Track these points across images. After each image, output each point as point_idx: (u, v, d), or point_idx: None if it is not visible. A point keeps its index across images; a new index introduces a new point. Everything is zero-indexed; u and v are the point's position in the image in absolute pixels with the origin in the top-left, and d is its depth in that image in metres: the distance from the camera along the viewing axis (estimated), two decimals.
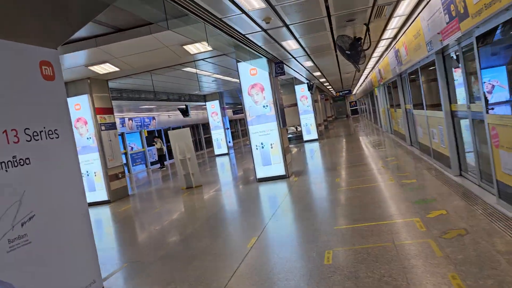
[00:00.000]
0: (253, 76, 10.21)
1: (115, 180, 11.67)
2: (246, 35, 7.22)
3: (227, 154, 21.59)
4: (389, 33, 9.47)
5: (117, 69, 10.13)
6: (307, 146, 18.79)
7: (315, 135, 21.05)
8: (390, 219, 5.26)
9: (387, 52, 12.16)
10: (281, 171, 10.30)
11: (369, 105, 29.05)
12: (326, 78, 20.70)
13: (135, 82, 13.26)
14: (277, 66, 10.53)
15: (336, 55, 12.29)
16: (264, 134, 10.29)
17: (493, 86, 4.87)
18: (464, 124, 6.82)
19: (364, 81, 26.50)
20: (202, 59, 10.76)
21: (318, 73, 17.06)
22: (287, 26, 7.02)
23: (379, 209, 5.85)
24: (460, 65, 6.04)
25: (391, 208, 5.81)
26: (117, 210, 9.76)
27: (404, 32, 8.61)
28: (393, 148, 12.53)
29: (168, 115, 24.85)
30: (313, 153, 15.04)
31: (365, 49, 7.50)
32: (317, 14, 6.55)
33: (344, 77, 21.90)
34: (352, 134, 21.73)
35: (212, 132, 22.12)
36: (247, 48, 8.27)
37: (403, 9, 7.14)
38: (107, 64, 9.52)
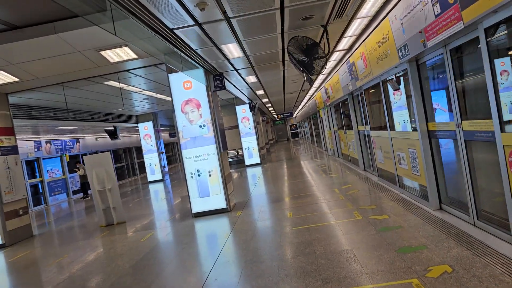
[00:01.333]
0: (188, 90, 8.49)
1: (13, 218, 9.22)
2: (175, 30, 5.53)
3: (162, 180, 19.41)
4: (345, 43, 8.27)
5: (16, 79, 7.99)
6: (250, 171, 17.22)
7: (257, 159, 19.59)
8: (374, 281, 3.71)
9: (337, 68, 11.05)
10: (221, 203, 8.55)
11: (312, 127, 28.36)
12: (269, 98, 19.47)
13: (46, 97, 10.96)
14: (216, 79, 8.91)
15: (283, 70, 10.97)
16: (201, 160, 8.53)
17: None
18: (446, 147, 5.58)
19: (307, 102, 25.76)
20: (127, 71, 8.89)
21: (261, 92, 15.71)
22: (228, 20, 5.44)
23: (355, 263, 4.29)
24: (448, 71, 4.79)
25: (371, 261, 4.28)
26: (10, 259, 7.41)
27: (364, 41, 7.42)
28: (346, 174, 11.31)
29: (96, 138, 22.20)
30: (257, 180, 13.47)
31: (324, 56, 6.13)
32: (268, 3, 5.05)
33: (287, 98, 20.85)
34: (296, 158, 20.56)
35: (145, 156, 19.86)
36: (179, 52, 6.58)
37: (368, 7, 5.88)
38: (1, 72, 7.39)
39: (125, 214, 10.34)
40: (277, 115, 38.32)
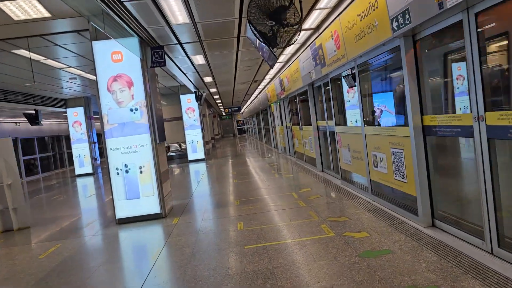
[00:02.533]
0: (117, 63, 6.70)
1: None
2: None
3: (92, 174, 17.13)
4: (314, 18, 6.90)
5: None
6: (193, 167, 15.51)
7: (202, 154, 17.90)
8: None
9: (298, 54, 9.71)
10: (154, 207, 6.86)
11: (260, 123, 27.08)
12: (217, 88, 17.84)
13: None
14: (154, 52, 7.17)
15: (237, 52, 9.43)
16: (131, 152, 6.78)
17: None
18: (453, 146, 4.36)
19: (256, 96, 24.42)
20: (41, 36, 6.92)
21: (209, 79, 14.06)
22: None
23: None
24: (468, 44, 3.50)
25: None
26: None
27: (339, 14, 6.09)
28: (302, 175, 10.02)
29: (16, 123, 19.27)
30: (200, 177, 11.82)
31: (297, 23, 4.69)
32: None
33: (237, 89, 19.33)
34: (244, 154, 19.11)
35: (73, 146, 17.45)
36: (103, 7, 4.83)
37: None
38: None
39: (31, 217, 8.29)
40: (224, 109, 36.69)
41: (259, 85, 17.60)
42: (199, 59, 9.99)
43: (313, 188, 8.03)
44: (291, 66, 10.89)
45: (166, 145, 20.98)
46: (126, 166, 6.77)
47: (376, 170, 5.93)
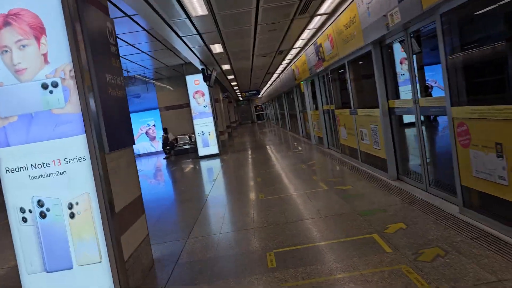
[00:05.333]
0: None
1: None
2: None
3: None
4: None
5: None
6: (203, 167, 12.00)
7: (215, 149, 14.35)
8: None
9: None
10: (103, 285, 3.35)
11: (284, 108, 23.28)
12: (231, 64, 14.15)
13: None
14: None
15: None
16: (48, 175, 3.28)
17: None
18: None
19: (278, 76, 20.66)
20: None
21: (219, 48, 10.38)
22: None
23: None
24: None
25: None
26: None
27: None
28: (365, 186, 6.31)
29: None
30: (209, 189, 8.21)
31: None
32: None
33: (256, 66, 15.60)
34: (266, 147, 15.43)
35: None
36: None
37: None
38: None
39: None
40: (241, 94, 33.02)
41: (284, 58, 13.82)
42: (200, 11, 6.35)
43: (407, 219, 4.37)
44: (342, 17, 7.09)
45: (173, 136, 17.51)
46: (40, 204, 3.26)
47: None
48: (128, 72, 13.74)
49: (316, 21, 8.17)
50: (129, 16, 6.66)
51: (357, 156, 8.14)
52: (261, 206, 5.93)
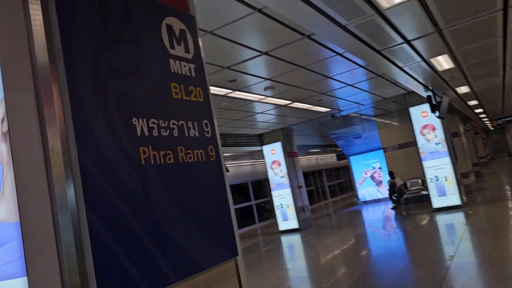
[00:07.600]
0: None
1: None
2: None
3: (299, 230, 12.68)
4: None
5: None
6: (442, 223, 8.83)
7: (455, 199, 10.69)
8: None
9: None
10: None
11: None
12: (469, 83, 10.62)
13: None
14: None
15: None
16: None
17: None
18: None
19: None
20: None
21: (447, 66, 7.44)
22: None
23: None
24: None
25: None
26: None
27: None
28: None
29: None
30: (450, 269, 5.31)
31: None
32: None
33: (510, 83, 11.41)
34: None
35: (273, 193, 13.61)
36: None
37: None
38: None
39: None
40: (491, 122, 26.82)
41: None
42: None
43: None
44: None
45: (401, 182, 14.61)
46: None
47: None
48: (340, 111, 12.08)
49: None
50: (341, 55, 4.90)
51: None
52: None
